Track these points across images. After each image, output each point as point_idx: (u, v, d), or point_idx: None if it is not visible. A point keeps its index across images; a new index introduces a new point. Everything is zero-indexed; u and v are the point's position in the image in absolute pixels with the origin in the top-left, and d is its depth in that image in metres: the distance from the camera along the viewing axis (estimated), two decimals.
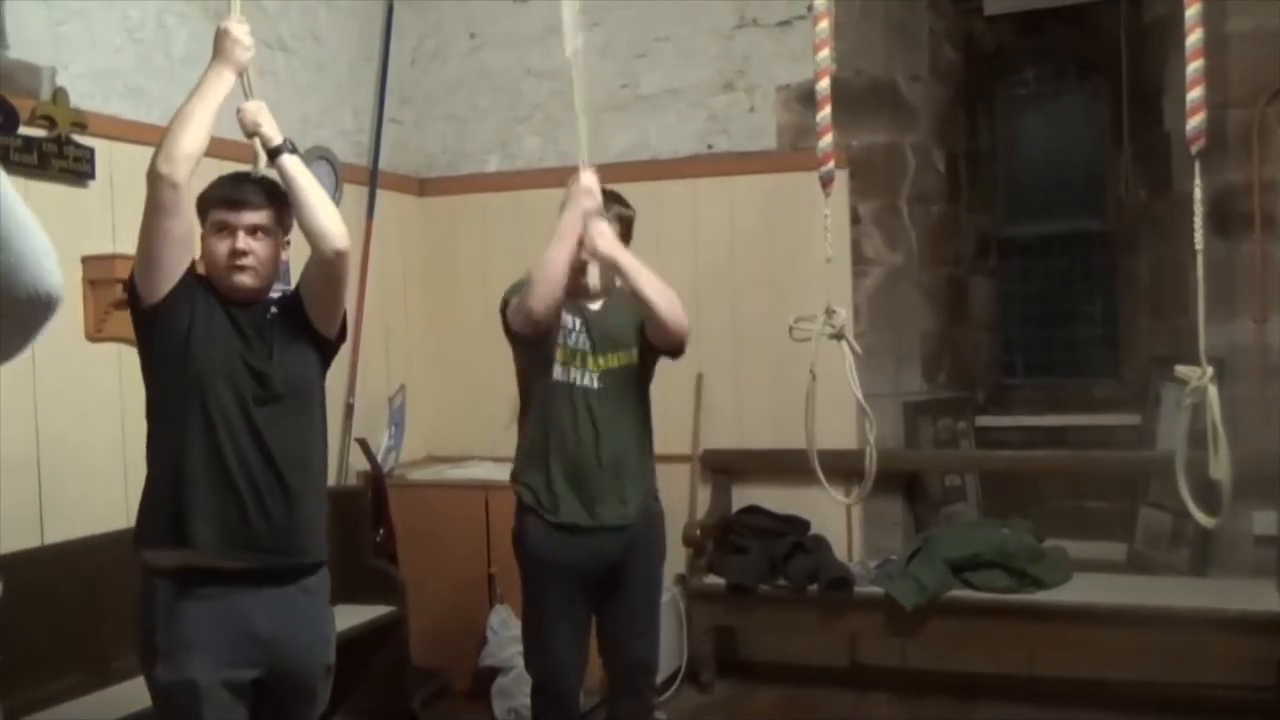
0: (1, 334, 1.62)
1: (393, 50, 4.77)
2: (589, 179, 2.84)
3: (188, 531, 2.25)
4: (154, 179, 2.22)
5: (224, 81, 2.33)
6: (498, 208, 4.87)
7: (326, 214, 2.36)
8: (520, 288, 2.94)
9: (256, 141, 2.39)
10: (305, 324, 2.42)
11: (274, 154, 2.36)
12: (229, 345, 2.31)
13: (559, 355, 2.94)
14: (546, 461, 2.95)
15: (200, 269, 2.37)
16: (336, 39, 4.50)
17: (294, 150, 2.40)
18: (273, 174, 2.38)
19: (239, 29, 2.35)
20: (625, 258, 2.88)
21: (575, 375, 2.95)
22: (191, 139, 2.24)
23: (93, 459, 3.29)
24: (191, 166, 2.24)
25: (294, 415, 2.36)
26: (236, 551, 2.27)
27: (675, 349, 2.99)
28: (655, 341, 2.98)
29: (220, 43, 2.34)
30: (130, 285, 2.32)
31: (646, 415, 3.08)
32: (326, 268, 2.38)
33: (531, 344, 2.94)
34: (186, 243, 2.32)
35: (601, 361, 2.95)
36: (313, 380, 2.44)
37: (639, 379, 3.03)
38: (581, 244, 2.83)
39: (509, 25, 4.90)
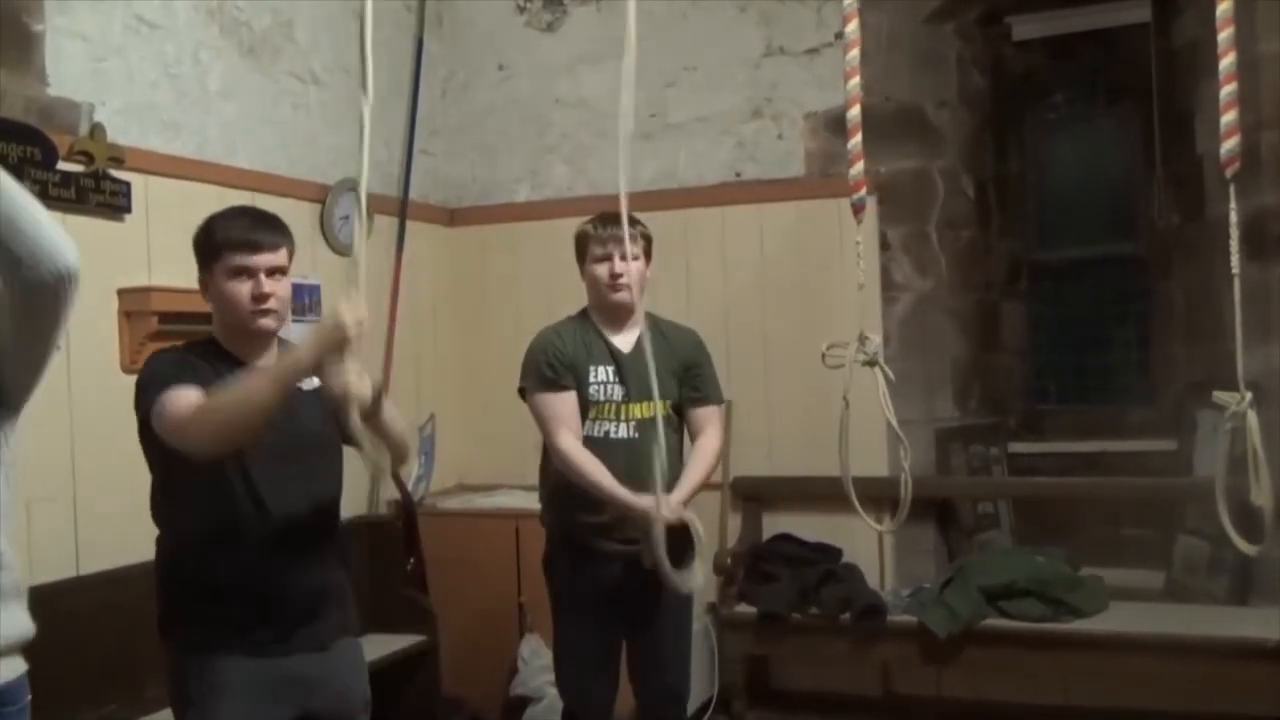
0: (35, 318, 1.68)
1: (423, 82, 4.82)
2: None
3: (206, 635, 2.25)
4: (194, 448, 2.06)
5: (304, 374, 2.02)
6: (527, 237, 4.90)
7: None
8: (531, 372, 2.95)
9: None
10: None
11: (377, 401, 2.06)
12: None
13: (589, 412, 2.93)
14: (575, 512, 2.94)
15: (213, 332, 2.31)
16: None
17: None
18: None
19: (352, 319, 1.89)
20: (689, 490, 2.91)
21: (608, 429, 2.93)
22: (245, 428, 2.03)
23: (127, 490, 3.30)
24: (235, 446, 2.08)
25: (306, 485, 2.31)
26: (249, 636, 2.26)
27: None
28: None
29: (324, 329, 1.94)
30: (148, 423, 2.19)
31: (679, 451, 3.07)
32: None
33: None
34: None
35: (636, 410, 2.93)
36: (334, 441, 2.39)
37: (674, 425, 3.02)
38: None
39: (537, 56, 4.94)
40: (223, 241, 2.25)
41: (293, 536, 2.27)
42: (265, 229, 2.28)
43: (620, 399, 2.93)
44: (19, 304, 1.69)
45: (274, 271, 2.27)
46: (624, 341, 2.97)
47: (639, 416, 2.93)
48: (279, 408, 2.03)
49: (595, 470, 2.83)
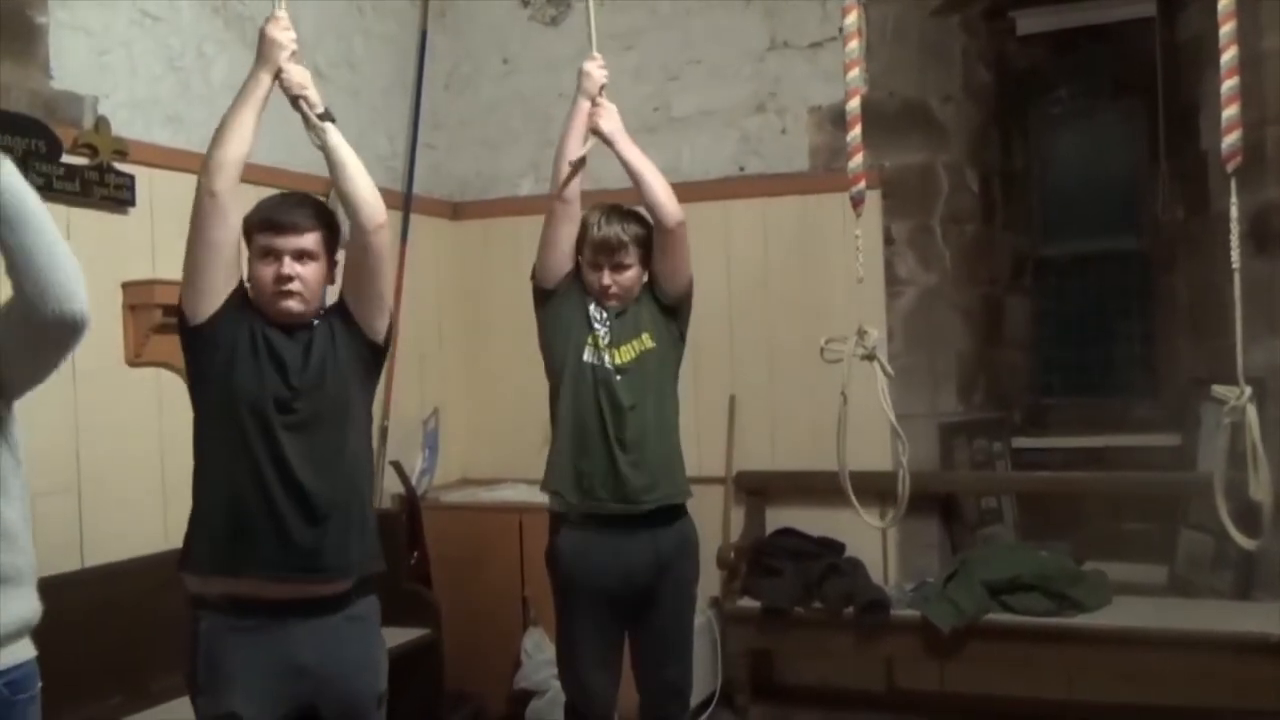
0: (34, 352, 1.71)
1: (426, 76, 4.82)
2: (590, 64, 3.00)
3: (211, 557, 2.27)
4: (197, 190, 2.23)
5: (260, 84, 2.28)
6: (530, 231, 4.82)
7: (368, 183, 2.35)
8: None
9: (303, 104, 2.34)
10: (352, 330, 2.39)
11: (323, 118, 2.32)
12: (266, 372, 2.27)
13: (589, 340, 2.97)
14: (574, 450, 2.95)
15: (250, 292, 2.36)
16: (371, 65, 4.56)
17: (333, 120, 2.37)
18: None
19: (276, 30, 2.29)
20: (623, 135, 3.00)
21: (604, 358, 2.97)
22: (229, 146, 2.23)
23: (132, 483, 3.33)
24: (232, 174, 2.22)
25: (324, 436, 2.32)
26: (262, 575, 2.26)
27: (668, 231, 2.96)
28: (664, 279, 3.01)
29: (259, 45, 2.31)
30: (178, 304, 2.31)
31: (671, 406, 3.08)
32: (367, 241, 2.34)
33: (556, 304, 2.98)
34: (230, 258, 2.28)
35: (618, 355, 2.97)
36: (351, 396, 2.40)
37: (659, 365, 3.02)
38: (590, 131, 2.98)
39: (541, 50, 4.94)
40: (252, 221, 2.33)
41: (294, 492, 2.27)
42: (297, 211, 2.33)
43: (607, 341, 2.98)
44: (22, 334, 1.73)
45: (301, 255, 2.30)
46: (615, 306, 3.05)
47: (623, 360, 2.95)
48: (257, 113, 2.28)
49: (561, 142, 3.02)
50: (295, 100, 2.34)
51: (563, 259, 3.00)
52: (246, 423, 2.26)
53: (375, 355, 2.46)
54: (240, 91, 2.30)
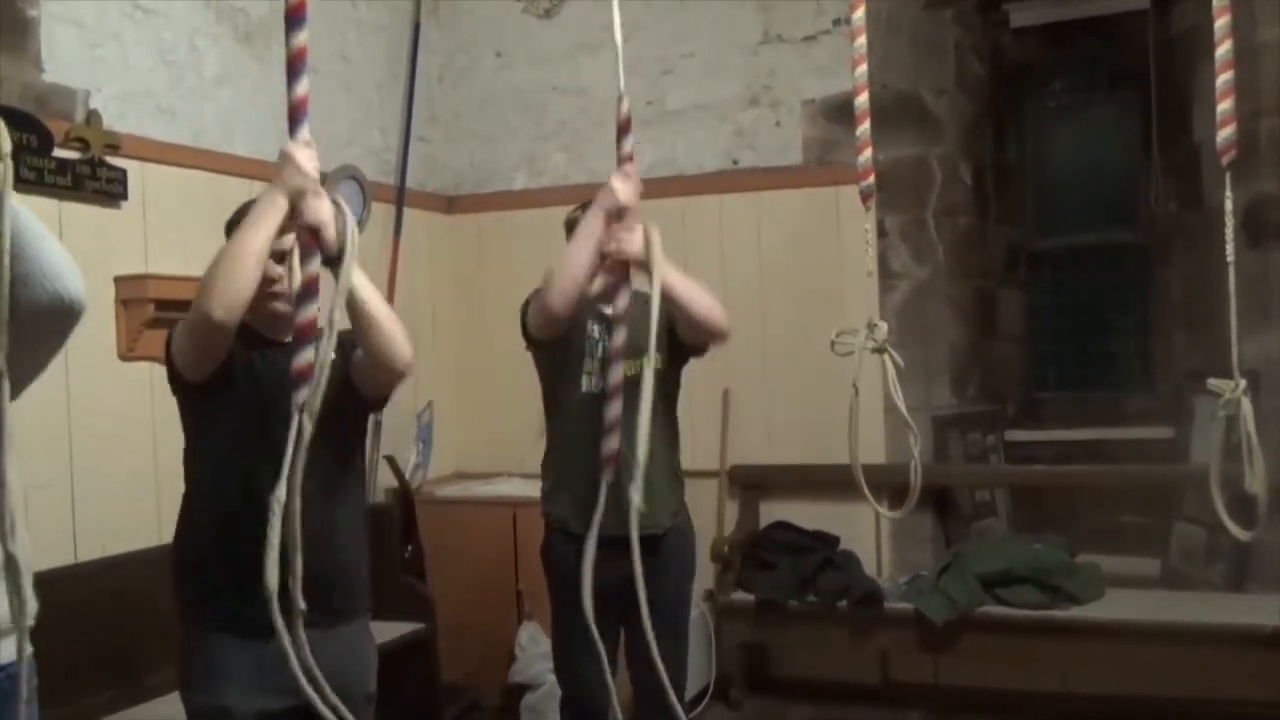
0: (30, 341, 1.68)
1: (420, 69, 4.81)
2: (618, 180, 2.67)
3: (204, 598, 2.29)
4: (205, 321, 2.08)
5: (276, 208, 2.02)
6: (525, 224, 4.89)
7: (396, 335, 2.30)
8: (533, 296, 2.95)
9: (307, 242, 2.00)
10: (350, 391, 2.38)
11: (332, 261, 1.94)
12: (259, 405, 2.22)
13: (586, 366, 2.95)
14: (574, 476, 2.94)
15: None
16: (364, 59, 4.54)
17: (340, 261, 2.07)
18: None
19: (301, 153, 2.02)
20: (656, 259, 2.75)
21: (601, 386, 2.94)
22: (245, 280, 2.06)
23: (125, 477, 3.32)
24: (244, 307, 2.08)
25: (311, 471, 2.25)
26: (247, 617, 2.21)
27: (714, 343, 2.98)
28: (688, 340, 2.97)
29: (278, 164, 2.04)
30: (169, 360, 2.26)
31: (672, 424, 3.07)
32: (390, 380, 2.38)
33: (550, 348, 2.95)
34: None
35: (625, 369, 2.95)
36: (345, 436, 2.40)
37: (664, 386, 2.99)
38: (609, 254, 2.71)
39: (535, 43, 4.93)
40: (234, 224, 2.26)
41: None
42: None
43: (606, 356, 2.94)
44: (18, 326, 1.69)
45: (284, 256, 2.23)
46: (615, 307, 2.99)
47: (628, 374, 2.93)
48: (266, 249, 2.06)
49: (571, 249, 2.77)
50: (310, 236, 1.95)
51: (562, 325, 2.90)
52: (238, 466, 2.27)
53: (371, 404, 2.52)
54: (253, 214, 2.07)
